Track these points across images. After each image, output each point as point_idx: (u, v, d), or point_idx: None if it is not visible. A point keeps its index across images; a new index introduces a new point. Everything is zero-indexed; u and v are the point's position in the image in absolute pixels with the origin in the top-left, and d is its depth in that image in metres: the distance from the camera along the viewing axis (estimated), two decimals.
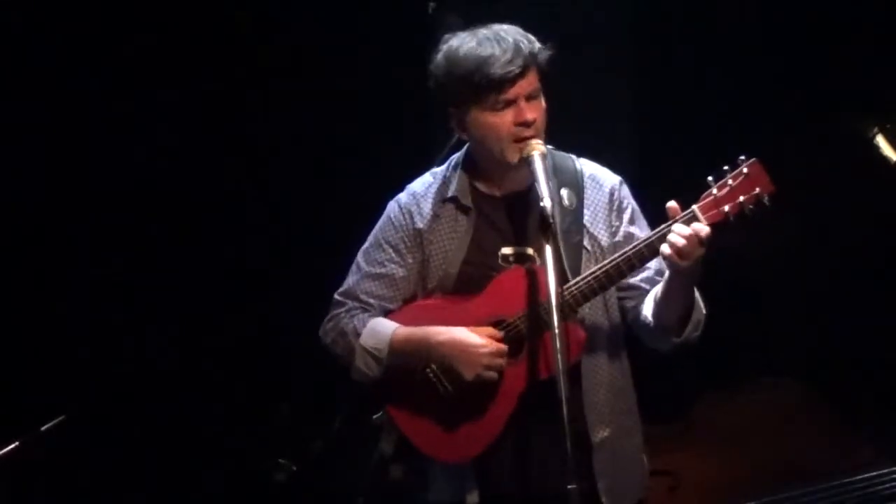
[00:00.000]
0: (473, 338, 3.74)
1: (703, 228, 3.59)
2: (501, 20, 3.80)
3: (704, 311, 3.80)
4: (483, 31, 3.75)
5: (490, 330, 3.75)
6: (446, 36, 3.80)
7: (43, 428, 4.42)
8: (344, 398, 4.10)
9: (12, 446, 4.35)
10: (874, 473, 4.78)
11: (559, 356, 3.46)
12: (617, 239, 3.85)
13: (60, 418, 4.44)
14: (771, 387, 5.10)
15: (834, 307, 5.53)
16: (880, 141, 5.26)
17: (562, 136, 3.88)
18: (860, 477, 4.78)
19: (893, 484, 4.76)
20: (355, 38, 5.63)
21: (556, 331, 3.47)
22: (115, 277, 5.63)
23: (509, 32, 3.74)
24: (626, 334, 3.92)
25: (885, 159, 5.26)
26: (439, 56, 3.79)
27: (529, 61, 3.71)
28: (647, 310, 3.81)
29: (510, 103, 3.71)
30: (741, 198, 3.62)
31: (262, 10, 5.66)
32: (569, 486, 3.41)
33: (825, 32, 5.50)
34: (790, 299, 5.59)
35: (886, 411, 5.05)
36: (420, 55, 5.44)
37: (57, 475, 5.35)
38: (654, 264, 3.77)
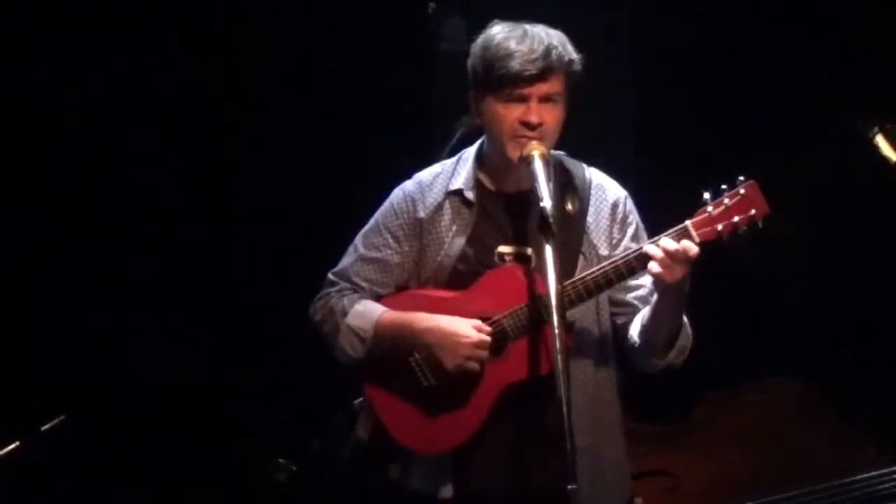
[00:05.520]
0: (459, 327, 3.75)
1: (691, 247, 3.59)
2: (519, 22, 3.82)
3: (690, 338, 3.82)
4: (526, 27, 3.78)
5: (477, 322, 3.76)
6: (494, 21, 3.83)
7: (43, 428, 4.41)
8: (343, 397, 4.09)
9: (12, 446, 4.35)
10: (874, 473, 4.78)
11: (559, 355, 3.46)
12: (616, 252, 3.85)
13: (60, 418, 4.43)
14: (771, 387, 5.10)
15: (834, 307, 5.54)
16: (880, 141, 5.26)
17: (558, 142, 3.88)
18: (860, 477, 4.78)
19: (893, 484, 4.76)
20: (355, 38, 5.63)
21: (557, 329, 3.48)
22: (115, 277, 5.62)
23: (550, 35, 3.76)
24: (618, 348, 3.92)
25: (885, 159, 5.26)
26: (480, 37, 3.82)
27: (554, 66, 3.72)
28: (634, 330, 3.83)
29: (522, 100, 3.73)
30: (736, 218, 3.63)
31: (263, 10, 5.66)
32: (569, 487, 3.41)
33: (825, 33, 5.50)
34: (790, 300, 5.59)
35: (886, 411, 5.05)
36: (420, 55, 5.49)
37: (57, 475, 5.35)
38: (648, 283, 3.78)
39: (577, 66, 3.77)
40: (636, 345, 3.82)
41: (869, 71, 5.47)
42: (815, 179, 5.47)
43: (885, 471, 4.78)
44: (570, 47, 3.77)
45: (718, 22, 5.53)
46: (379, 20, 5.60)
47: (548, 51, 3.72)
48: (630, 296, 3.87)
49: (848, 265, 5.50)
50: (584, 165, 3.95)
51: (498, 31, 3.79)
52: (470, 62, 3.83)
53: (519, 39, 3.74)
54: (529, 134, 3.73)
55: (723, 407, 5.08)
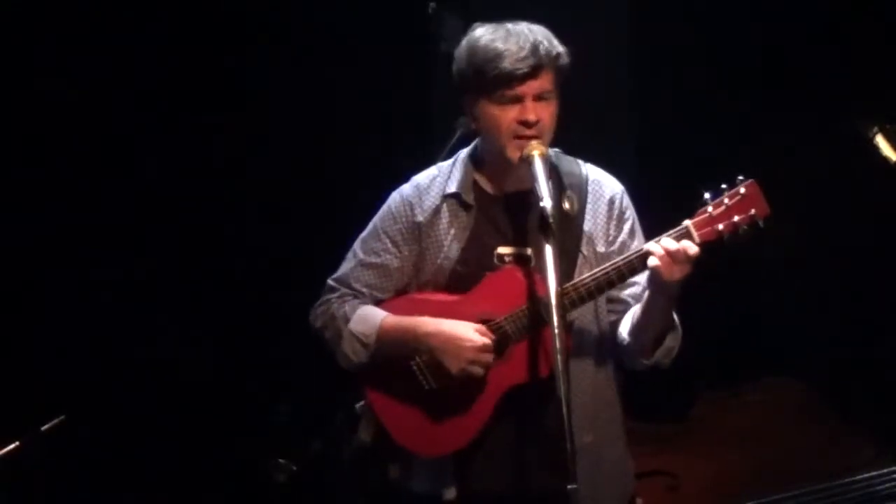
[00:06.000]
0: (462, 331, 3.75)
1: (691, 247, 3.59)
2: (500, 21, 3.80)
3: (680, 340, 3.81)
4: (509, 26, 3.76)
5: (480, 326, 3.76)
6: (475, 24, 3.82)
7: (43, 428, 4.41)
8: (344, 397, 4.10)
9: (12, 446, 4.35)
10: (874, 473, 4.78)
11: (559, 356, 3.46)
12: (612, 248, 3.85)
13: (60, 418, 4.43)
14: (771, 387, 5.10)
15: (834, 307, 5.54)
16: (880, 141, 5.26)
17: (558, 142, 3.87)
18: (860, 477, 4.78)
19: (893, 484, 4.76)
20: (355, 38, 5.63)
21: (556, 330, 3.48)
22: (115, 277, 5.63)
23: (534, 31, 3.74)
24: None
25: (885, 159, 5.26)
26: (463, 42, 3.81)
27: (544, 62, 3.71)
28: (624, 328, 3.82)
29: (517, 100, 3.72)
30: (736, 217, 3.62)
31: (263, 9, 5.66)
32: (569, 487, 3.41)
33: (825, 32, 5.50)
34: (790, 299, 5.59)
35: (886, 411, 5.05)
36: (420, 55, 5.49)
37: (57, 475, 5.35)
38: (642, 280, 3.76)
39: (565, 60, 3.76)
40: (624, 342, 3.82)
41: (869, 71, 5.47)
42: (815, 179, 5.47)
43: (885, 471, 4.78)
44: (555, 41, 3.76)
45: (718, 22, 5.53)
46: (379, 20, 5.60)
47: (535, 47, 3.71)
48: (625, 293, 3.86)
49: (848, 265, 5.50)
50: (580, 161, 3.93)
51: (481, 34, 3.77)
52: (456, 68, 3.81)
53: (504, 39, 3.72)
54: (529, 133, 3.72)
55: (723, 407, 5.08)
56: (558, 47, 3.75)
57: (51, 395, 5.25)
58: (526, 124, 3.72)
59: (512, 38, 3.72)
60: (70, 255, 5.57)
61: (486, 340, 3.74)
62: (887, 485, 4.76)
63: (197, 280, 5.69)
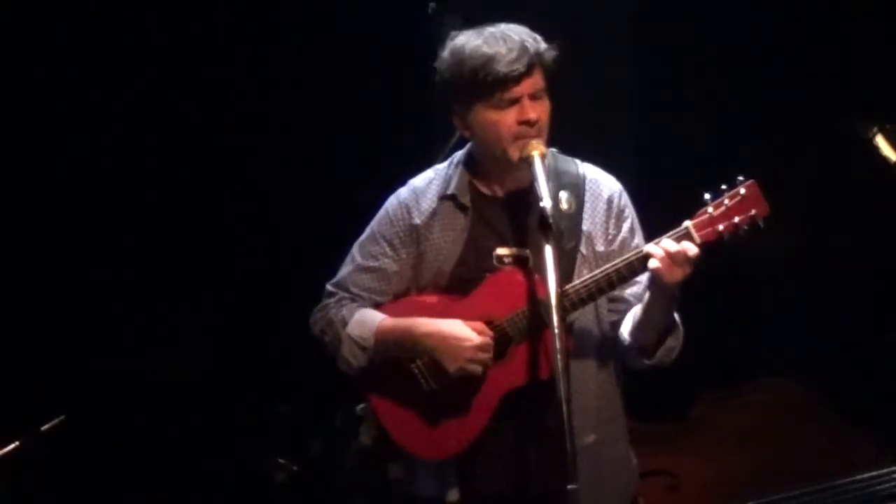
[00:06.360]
0: (459, 330, 3.74)
1: (691, 248, 3.59)
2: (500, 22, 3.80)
3: (681, 339, 3.80)
4: (490, 30, 3.75)
5: (479, 325, 3.75)
6: (453, 33, 3.81)
7: (43, 428, 4.41)
8: (344, 397, 4.10)
9: (12, 446, 4.35)
10: (874, 473, 4.78)
11: (558, 356, 3.45)
12: (613, 248, 3.85)
13: (60, 418, 4.43)
14: (771, 387, 5.10)
15: (834, 307, 5.54)
16: (880, 141, 5.26)
17: (558, 142, 3.87)
18: (860, 477, 4.78)
19: (893, 484, 4.76)
20: (356, 38, 5.63)
21: (556, 330, 3.47)
22: (115, 277, 5.63)
23: (516, 31, 3.74)
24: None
25: (885, 159, 5.26)
26: (445, 53, 3.79)
27: (535, 60, 3.71)
28: (625, 328, 3.82)
29: (514, 102, 3.71)
30: (736, 218, 3.62)
31: (263, 10, 5.66)
32: (569, 487, 3.41)
33: (825, 32, 5.50)
34: (790, 300, 5.59)
35: (886, 411, 5.05)
36: (420, 55, 5.49)
37: (57, 475, 5.35)
38: (643, 279, 3.76)
39: (551, 55, 3.75)
40: (626, 342, 3.82)
41: (869, 71, 5.47)
42: (815, 179, 5.47)
43: (885, 471, 4.77)
44: (539, 38, 3.76)
45: (718, 22, 5.53)
46: (379, 20, 5.60)
47: (524, 46, 3.71)
48: (626, 292, 3.85)
49: (848, 265, 5.50)
50: (577, 161, 3.92)
51: (465, 41, 3.76)
52: (442, 78, 3.80)
53: (489, 43, 3.72)
54: (530, 133, 3.72)
55: (723, 407, 5.08)
56: (543, 43, 3.75)
57: (51, 395, 5.25)
58: (528, 124, 3.72)
59: (498, 41, 3.71)
60: (70, 255, 5.57)
61: (483, 339, 3.73)
62: (887, 485, 4.76)
63: (197, 280, 5.69)
